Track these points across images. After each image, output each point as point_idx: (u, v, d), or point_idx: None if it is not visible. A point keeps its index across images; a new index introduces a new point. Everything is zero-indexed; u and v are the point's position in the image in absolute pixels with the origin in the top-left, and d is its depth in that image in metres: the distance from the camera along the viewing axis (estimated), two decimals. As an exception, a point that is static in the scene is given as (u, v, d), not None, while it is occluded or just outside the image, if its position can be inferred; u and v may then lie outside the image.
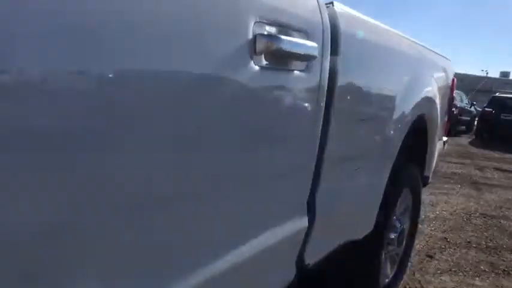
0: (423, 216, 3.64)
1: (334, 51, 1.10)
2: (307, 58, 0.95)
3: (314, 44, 0.94)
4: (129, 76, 0.60)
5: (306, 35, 0.96)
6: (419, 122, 1.97)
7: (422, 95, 1.82)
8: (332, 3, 1.13)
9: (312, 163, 1.10)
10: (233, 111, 0.81)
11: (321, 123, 1.09)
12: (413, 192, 2.13)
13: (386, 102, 1.47)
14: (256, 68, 0.82)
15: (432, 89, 2.00)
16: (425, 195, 4.36)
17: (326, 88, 1.07)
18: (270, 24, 0.85)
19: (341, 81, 1.14)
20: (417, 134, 2.12)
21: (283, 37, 0.83)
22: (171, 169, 0.71)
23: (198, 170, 0.77)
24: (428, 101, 1.94)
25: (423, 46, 2.02)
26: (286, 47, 0.85)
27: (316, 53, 0.94)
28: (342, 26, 1.12)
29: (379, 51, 1.36)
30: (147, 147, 0.65)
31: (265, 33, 0.82)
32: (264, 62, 0.84)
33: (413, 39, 1.86)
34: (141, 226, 0.67)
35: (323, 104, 1.08)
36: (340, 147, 1.25)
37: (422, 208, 3.80)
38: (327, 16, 1.05)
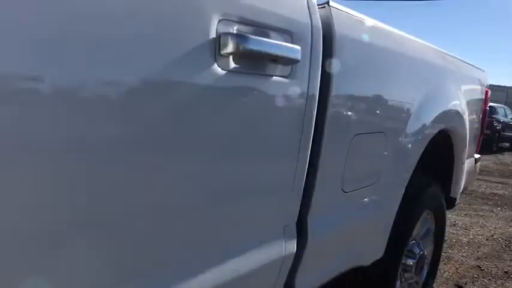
0: (454, 241, 3.37)
1: (328, 55, 0.99)
2: (288, 62, 0.84)
3: (296, 47, 0.83)
4: (77, 78, 0.55)
5: (290, 36, 0.86)
6: (443, 137, 1.80)
7: (445, 107, 1.65)
8: (328, 2, 1.02)
9: (300, 180, 0.98)
10: (200, 120, 0.72)
11: (311, 135, 0.97)
12: (436, 214, 1.94)
13: (394, 114, 1.32)
14: (222, 71, 0.72)
15: (458, 101, 1.82)
16: (459, 216, 4.06)
17: (317, 96, 0.96)
18: (240, 23, 0.75)
19: (336, 89, 1.02)
20: (441, 151, 1.94)
21: (252, 37, 0.73)
22: (128, 183, 0.64)
23: (165, 186, 0.70)
24: (453, 114, 1.76)
25: (449, 55, 1.85)
26: (257, 49, 0.75)
27: (298, 56, 0.83)
28: (338, 28, 1.00)
29: (384, 57, 1.23)
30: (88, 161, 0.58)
31: (232, 32, 0.72)
32: (233, 65, 0.74)
33: (436, 47, 1.70)
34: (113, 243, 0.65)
35: (313, 114, 0.96)
36: (338, 163, 1.12)
37: (454, 231, 3.54)
38: (318, 17, 0.94)
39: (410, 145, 1.41)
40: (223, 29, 0.71)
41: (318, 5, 1.02)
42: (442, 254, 2.98)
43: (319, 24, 0.94)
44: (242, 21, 0.75)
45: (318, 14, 0.94)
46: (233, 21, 0.74)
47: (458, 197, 2.18)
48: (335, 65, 1.00)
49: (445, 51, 1.79)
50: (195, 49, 0.68)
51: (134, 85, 0.62)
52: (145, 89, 0.63)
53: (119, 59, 0.59)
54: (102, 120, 0.58)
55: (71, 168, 0.56)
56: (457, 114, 1.79)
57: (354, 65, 1.08)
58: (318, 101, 0.97)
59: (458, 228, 3.74)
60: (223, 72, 0.72)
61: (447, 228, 3.61)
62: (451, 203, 2.16)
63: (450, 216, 4.03)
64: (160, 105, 0.66)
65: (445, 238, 3.31)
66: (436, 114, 1.56)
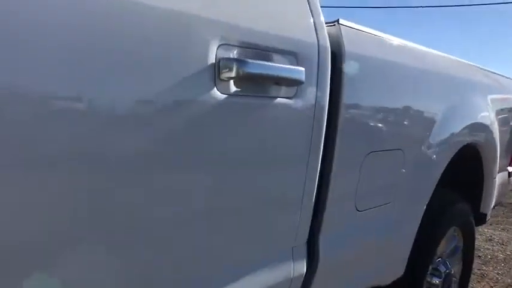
0: (489, 257, 3.20)
1: (338, 74, 0.98)
2: (292, 83, 0.84)
3: (299, 69, 0.83)
4: (76, 103, 0.58)
5: (295, 57, 0.86)
6: (470, 151, 1.74)
7: (470, 120, 1.59)
8: (338, 21, 1.01)
9: (309, 200, 0.97)
10: (202, 144, 0.74)
11: (320, 154, 0.96)
12: (464, 231, 1.86)
13: (412, 131, 1.28)
14: (222, 95, 0.73)
15: (486, 113, 1.75)
16: (495, 231, 3.87)
17: (326, 115, 0.95)
18: (241, 47, 0.76)
19: (347, 107, 1.01)
20: (470, 165, 1.87)
21: (251, 61, 0.74)
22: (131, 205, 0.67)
23: (168, 206, 0.71)
24: (480, 127, 1.69)
25: (474, 66, 1.78)
26: (257, 72, 0.75)
27: (302, 77, 0.83)
28: (348, 46, 0.99)
29: (399, 73, 1.19)
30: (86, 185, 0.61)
31: (231, 56, 0.73)
32: (234, 89, 0.75)
33: (459, 59, 1.64)
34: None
35: (322, 133, 0.95)
36: (351, 182, 1.10)
37: (489, 247, 3.37)
38: (325, 36, 0.93)
39: (431, 162, 1.36)
40: (222, 54, 0.72)
41: (328, 23, 1.02)
42: (476, 271, 2.85)
43: (326, 43, 0.93)
44: (243, 45, 0.76)
45: (325, 33, 0.94)
46: (233, 45, 0.74)
47: (489, 212, 2.08)
48: (345, 84, 0.99)
49: (469, 63, 1.73)
50: (194, 75, 0.69)
51: (133, 112, 0.64)
52: (146, 116, 0.65)
53: (118, 84, 0.62)
54: (107, 139, 0.62)
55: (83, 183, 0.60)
56: (484, 127, 1.72)
57: (366, 82, 1.07)
58: (328, 119, 0.97)
59: (494, 244, 3.56)
60: (224, 96, 0.73)
61: (482, 244, 3.46)
62: (481, 219, 2.07)
63: (486, 230, 3.84)
64: (161, 129, 0.67)
65: (480, 254, 3.17)
66: (460, 128, 1.50)
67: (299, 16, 0.90)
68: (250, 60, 0.73)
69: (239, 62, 0.72)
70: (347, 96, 1.00)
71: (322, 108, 0.94)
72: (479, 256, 3.11)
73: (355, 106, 1.05)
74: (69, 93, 0.57)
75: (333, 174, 1.02)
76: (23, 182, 0.54)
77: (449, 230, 1.72)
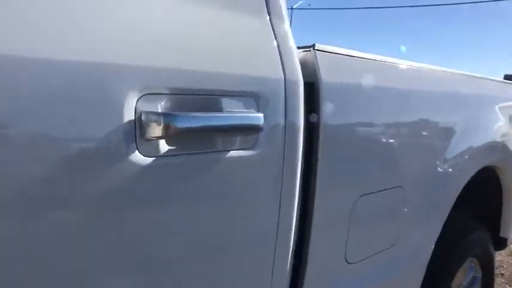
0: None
1: (315, 108, 0.81)
2: (247, 132, 0.68)
3: (255, 115, 0.66)
4: None
5: (254, 99, 0.69)
6: (488, 174, 1.54)
7: (484, 141, 1.39)
8: (313, 46, 0.84)
9: (283, 261, 0.81)
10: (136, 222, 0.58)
11: (295, 208, 0.79)
12: (481, 260, 1.66)
13: (414, 164, 1.09)
14: (148, 159, 0.57)
15: (502, 129, 1.54)
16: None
17: (299, 161, 0.78)
18: (174, 94, 0.60)
19: (328, 149, 0.83)
20: (487, 188, 1.67)
21: (181, 114, 0.57)
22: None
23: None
24: (496, 147, 1.49)
25: (483, 78, 1.58)
26: (193, 126, 0.59)
27: (260, 123, 0.66)
28: (325, 75, 0.82)
29: (391, 98, 1.00)
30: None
31: (155, 110, 0.57)
32: (165, 148, 0.59)
33: (466, 73, 1.44)
34: None
35: (295, 183, 0.78)
36: (338, 232, 0.93)
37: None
38: (295, 68, 0.76)
39: (438, 196, 1.18)
40: (144, 107, 0.56)
41: (302, 48, 0.85)
42: (503, 291, 2.62)
43: (296, 76, 0.76)
44: (176, 93, 0.60)
45: (295, 64, 0.77)
46: (162, 94, 0.58)
47: (509, 236, 1.87)
48: (324, 121, 0.82)
49: (478, 76, 1.53)
50: (109, 140, 0.54)
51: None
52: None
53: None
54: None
55: None
56: (501, 146, 1.52)
57: (350, 116, 0.89)
58: (305, 166, 0.80)
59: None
60: (150, 159, 0.57)
61: (505, 259, 3.19)
62: (501, 243, 1.86)
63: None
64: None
65: (503, 272, 2.92)
66: (472, 152, 1.31)
67: (258, 44, 0.73)
68: (180, 114, 0.57)
69: (167, 116, 0.56)
70: (327, 136, 0.83)
71: (294, 154, 0.77)
72: (502, 274, 2.87)
73: (338, 146, 0.87)
74: None
75: (313, 229, 0.85)
76: None
77: (464, 262, 1.53)
